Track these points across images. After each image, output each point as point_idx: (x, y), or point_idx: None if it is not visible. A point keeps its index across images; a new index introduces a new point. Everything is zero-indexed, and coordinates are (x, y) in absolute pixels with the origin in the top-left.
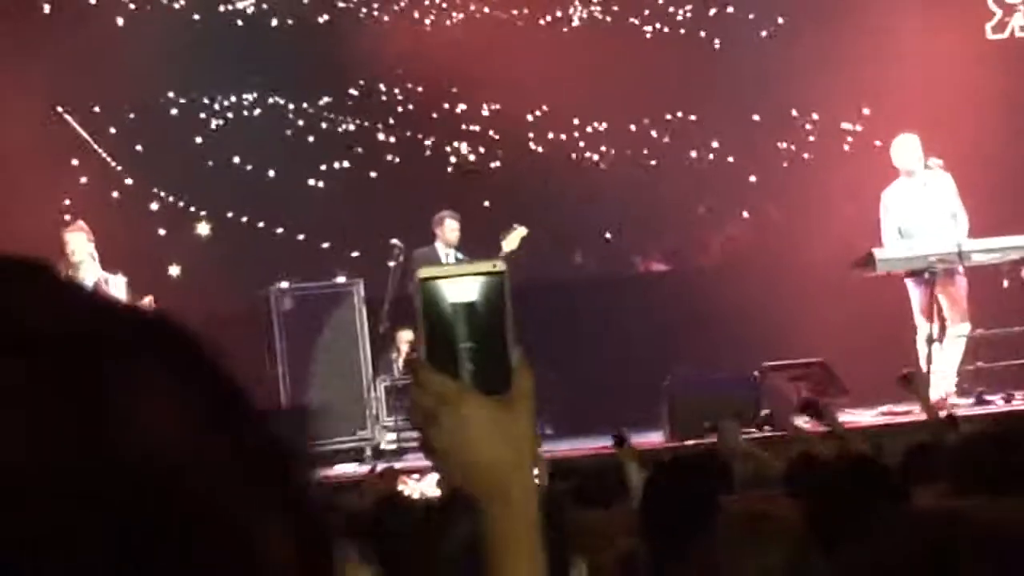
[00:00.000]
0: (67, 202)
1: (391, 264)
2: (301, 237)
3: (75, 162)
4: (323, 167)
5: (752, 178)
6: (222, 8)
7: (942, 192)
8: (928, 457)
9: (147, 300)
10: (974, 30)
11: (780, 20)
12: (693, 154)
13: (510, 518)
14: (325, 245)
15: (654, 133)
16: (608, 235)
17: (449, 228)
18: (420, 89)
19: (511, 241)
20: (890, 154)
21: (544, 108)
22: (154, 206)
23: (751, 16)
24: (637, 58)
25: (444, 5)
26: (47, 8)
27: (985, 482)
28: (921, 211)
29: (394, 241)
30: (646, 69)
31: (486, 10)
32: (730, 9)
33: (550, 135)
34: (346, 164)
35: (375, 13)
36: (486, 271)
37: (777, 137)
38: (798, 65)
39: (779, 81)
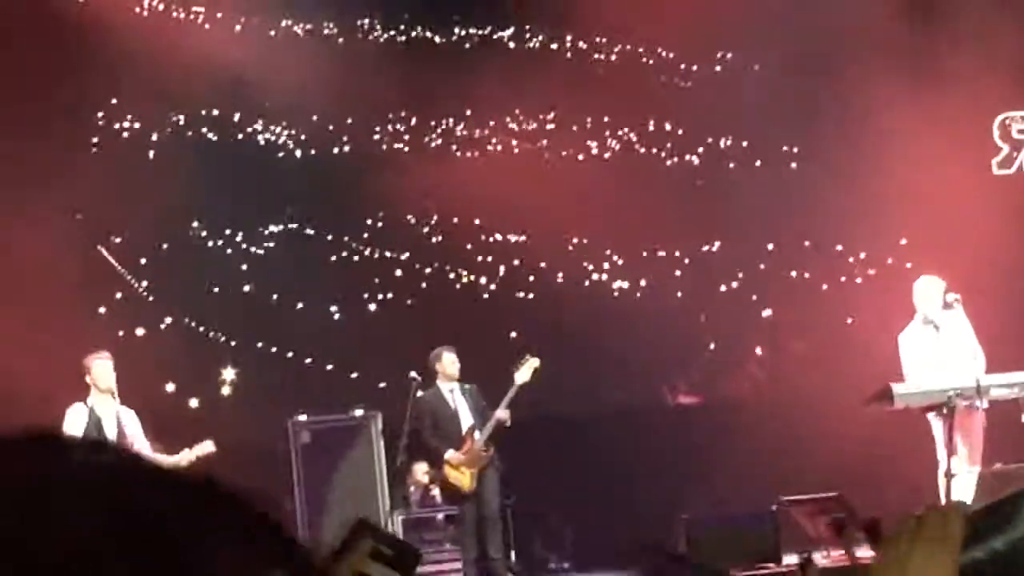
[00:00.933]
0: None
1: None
2: (329, 367)
3: (116, 294)
4: (343, 295)
5: (766, 312)
6: (242, 136)
7: (958, 331)
8: None
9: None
10: (981, 166)
11: (795, 149)
12: (722, 288)
13: None
14: (353, 375)
15: (678, 269)
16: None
17: (448, 362)
18: (450, 220)
19: (524, 373)
20: (913, 294)
21: (571, 238)
22: (178, 336)
23: (766, 151)
24: (657, 189)
25: (469, 136)
26: (95, 139)
27: None
28: (939, 351)
29: (413, 374)
30: (667, 200)
31: (513, 142)
32: (744, 143)
33: (569, 266)
34: (366, 295)
35: (397, 145)
36: None
37: (792, 267)
38: (813, 199)
39: (794, 214)
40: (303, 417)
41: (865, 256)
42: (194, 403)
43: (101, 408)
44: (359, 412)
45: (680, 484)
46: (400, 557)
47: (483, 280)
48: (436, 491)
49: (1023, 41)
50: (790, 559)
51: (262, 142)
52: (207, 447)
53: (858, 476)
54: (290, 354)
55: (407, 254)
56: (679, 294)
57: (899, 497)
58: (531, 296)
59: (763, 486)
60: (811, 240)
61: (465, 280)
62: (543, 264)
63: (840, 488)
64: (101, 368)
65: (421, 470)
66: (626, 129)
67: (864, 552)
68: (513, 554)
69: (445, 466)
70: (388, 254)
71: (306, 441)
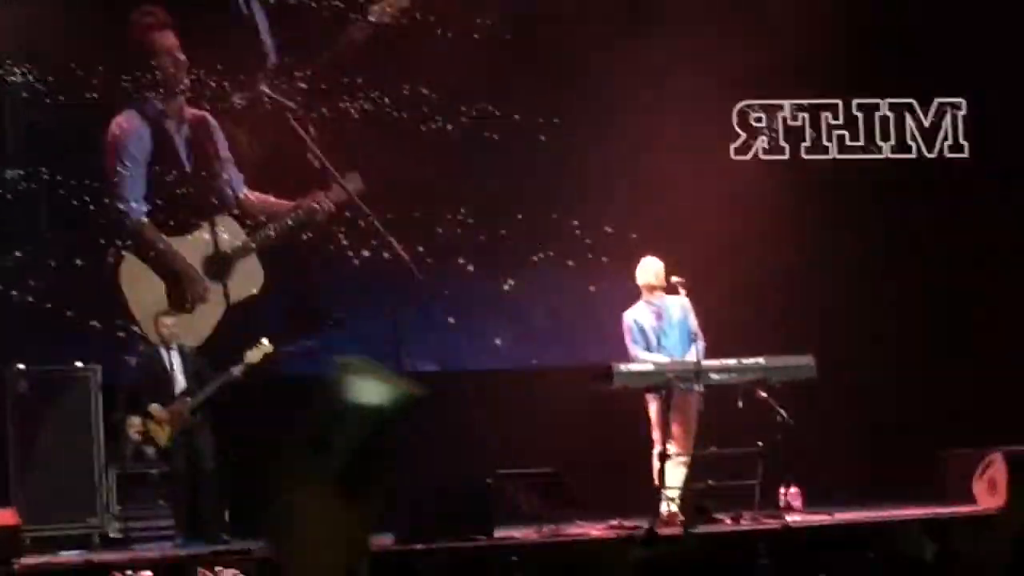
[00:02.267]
0: None
1: (131, 356)
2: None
3: None
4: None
5: (507, 285)
6: None
7: (680, 313)
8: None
9: None
10: (719, 151)
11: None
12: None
13: None
14: (76, 326)
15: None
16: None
17: (162, 325)
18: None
19: (254, 354)
20: (635, 273)
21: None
22: None
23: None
24: (409, 155)
25: (224, 89)
26: None
27: None
28: (661, 331)
29: (135, 329)
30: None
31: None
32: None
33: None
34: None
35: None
36: (411, 393)
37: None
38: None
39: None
40: (21, 366)
41: (600, 233)
42: None
43: None
44: (79, 364)
45: (407, 458)
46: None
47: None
48: (151, 449)
49: (761, 29)
50: (502, 532)
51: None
52: None
53: (578, 452)
54: (14, 293)
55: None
56: (429, 261)
57: (612, 476)
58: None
59: (486, 459)
60: (555, 214)
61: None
62: None
63: (559, 464)
64: None
65: (135, 425)
66: (378, 92)
67: (574, 529)
68: (227, 514)
69: (146, 418)
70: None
71: (23, 391)
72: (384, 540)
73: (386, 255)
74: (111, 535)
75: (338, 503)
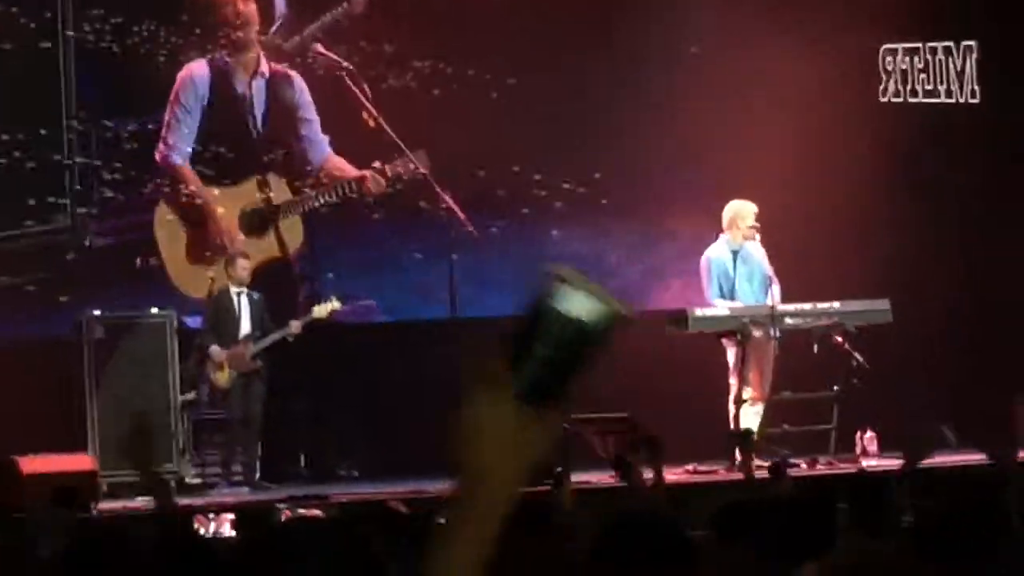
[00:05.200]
0: None
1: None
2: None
3: None
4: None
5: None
6: None
7: (757, 258)
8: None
9: None
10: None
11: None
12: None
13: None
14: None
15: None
16: None
17: (239, 267)
18: None
19: (322, 309)
20: (727, 212)
21: None
22: None
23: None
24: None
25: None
26: None
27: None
28: (738, 274)
29: (210, 274)
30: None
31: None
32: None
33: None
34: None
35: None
36: (617, 309)
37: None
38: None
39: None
40: (97, 312)
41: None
42: None
43: None
44: (155, 310)
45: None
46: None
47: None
48: (206, 389)
49: None
50: (577, 477)
51: None
52: None
53: (650, 397)
54: (87, 242)
55: None
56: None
57: (688, 421)
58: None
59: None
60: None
61: None
62: None
63: (631, 408)
64: None
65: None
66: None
67: (648, 474)
68: (303, 459)
69: (207, 360)
70: None
71: (99, 336)
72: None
73: (443, 207)
74: (187, 480)
75: (523, 417)
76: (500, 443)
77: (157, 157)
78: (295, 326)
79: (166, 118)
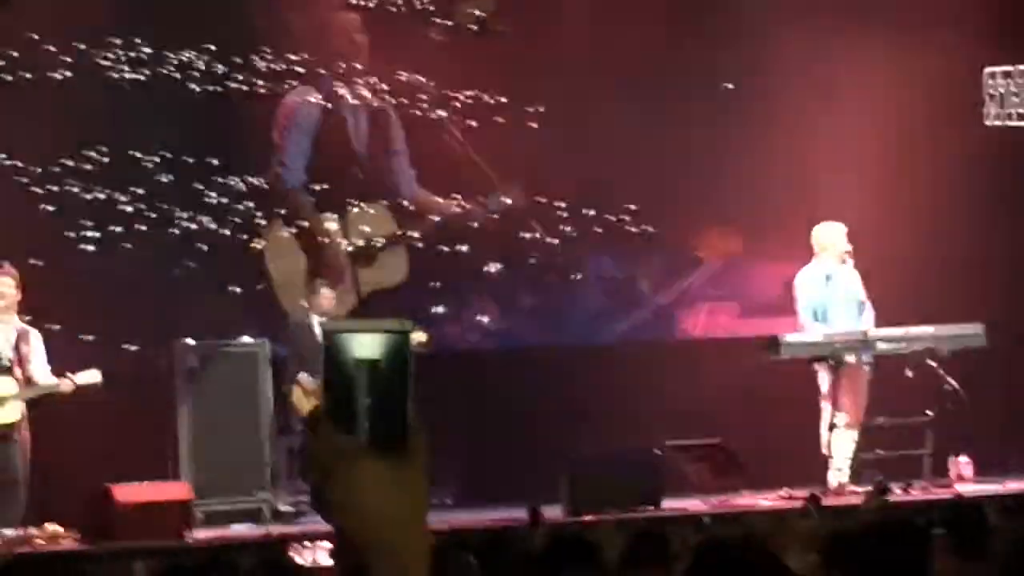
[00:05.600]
0: None
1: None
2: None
3: None
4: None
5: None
6: None
7: (850, 282)
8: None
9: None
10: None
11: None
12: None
13: (399, 570)
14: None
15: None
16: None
17: (321, 296)
18: None
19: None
20: (812, 236)
21: None
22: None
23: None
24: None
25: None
26: None
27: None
28: (830, 298)
29: (303, 303)
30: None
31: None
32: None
33: None
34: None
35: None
36: (391, 329)
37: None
38: None
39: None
40: (190, 340)
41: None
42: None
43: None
44: (247, 339)
45: (572, 424)
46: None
47: None
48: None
49: None
50: (669, 503)
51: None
52: (93, 377)
53: (742, 423)
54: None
55: None
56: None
57: (780, 445)
58: None
59: (651, 429)
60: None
61: None
62: None
63: (723, 434)
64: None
65: (305, 399)
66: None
67: (742, 499)
68: None
69: (295, 386)
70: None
71: (192, 365)
72: (553, 511)
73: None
74: (281, 508)
75: (382, 466)
76: (381, 496)
77: (270, 181)
78: None
79: (277, 142)
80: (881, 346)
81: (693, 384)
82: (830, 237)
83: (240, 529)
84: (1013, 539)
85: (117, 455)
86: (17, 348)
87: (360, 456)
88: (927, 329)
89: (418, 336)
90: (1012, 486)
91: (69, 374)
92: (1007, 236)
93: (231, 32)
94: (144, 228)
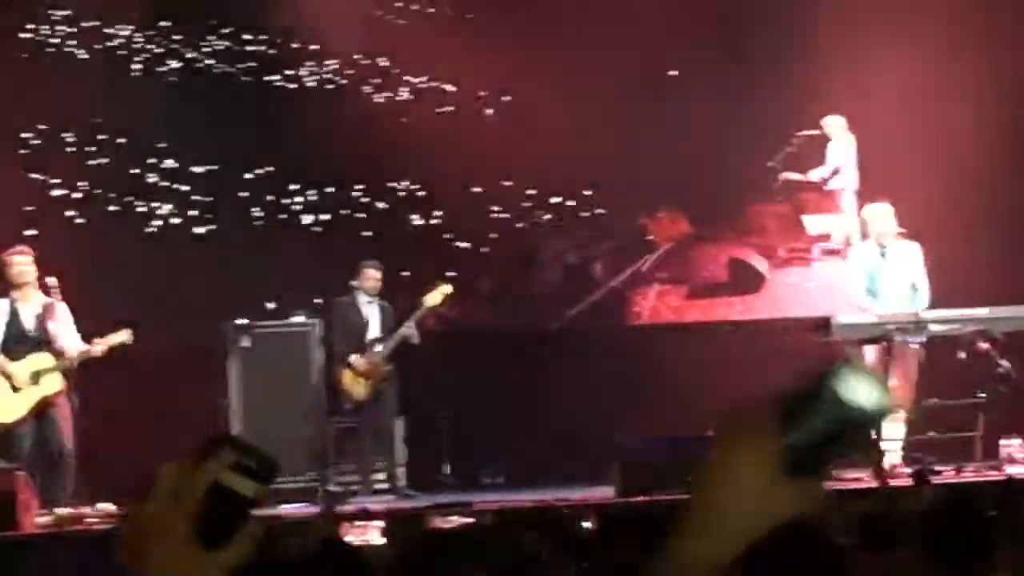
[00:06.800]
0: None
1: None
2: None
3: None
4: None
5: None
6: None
7: (905, 261)
8: (884, 525)
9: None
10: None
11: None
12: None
13: None
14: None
15: None
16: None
17: (366, 276)
18: None
19: (434, 296)
20: (863, 217)
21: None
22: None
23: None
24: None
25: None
26: None
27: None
28: (884, 273)
29: (354, 283)
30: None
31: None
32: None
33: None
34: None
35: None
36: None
37: None
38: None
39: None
40: (242, 320)
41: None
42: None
43: (21, 303)
44: (299, 319)
45: (622, 405)
46: (260, 468)
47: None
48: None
49: None
50: None
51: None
52: (122, 336)
53: None
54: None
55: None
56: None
57: None
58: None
59: (702, 412)
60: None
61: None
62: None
63: None
64: (13, 264)
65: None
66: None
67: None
68: (448, 467)
69: (346, 369)
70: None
71: (244, 345)
72: (605, 492)
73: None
74: (332, 488)
75: (778, 477)
76: (747, 493)
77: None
78: (409, 325)
79: None
80: (934, 327)
81: (746, 364)
82: (874, 218)
83: (292, 509)
84: None
85: (169, 435)
86: (43, 322)
87: (771, 449)
88: (981, 311)
89: (444, 288)
90: None
91: (97, 339)
92: None
93: None
94: (195, 213)
